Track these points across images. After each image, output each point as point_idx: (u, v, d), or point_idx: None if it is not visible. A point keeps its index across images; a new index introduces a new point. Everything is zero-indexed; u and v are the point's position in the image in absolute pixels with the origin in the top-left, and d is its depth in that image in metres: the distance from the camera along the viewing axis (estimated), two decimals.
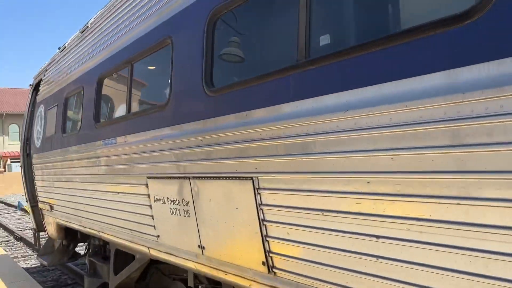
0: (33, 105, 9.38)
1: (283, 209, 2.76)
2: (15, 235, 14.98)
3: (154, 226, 4.40)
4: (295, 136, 2.58)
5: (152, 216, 4.42)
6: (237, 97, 3.11)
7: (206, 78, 3.45)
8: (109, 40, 5.47)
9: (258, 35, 3.36)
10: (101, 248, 6.99)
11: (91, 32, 6.32)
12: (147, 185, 4.39)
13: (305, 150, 2.52)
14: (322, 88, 2.41)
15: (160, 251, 4.45)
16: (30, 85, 9.78)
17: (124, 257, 5.87)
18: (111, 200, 5.29)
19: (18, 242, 14.12)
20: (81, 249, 9.72)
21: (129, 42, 4.87)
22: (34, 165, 8.64)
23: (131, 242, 5.07)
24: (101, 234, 5.97)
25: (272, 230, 2.90)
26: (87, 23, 6.84)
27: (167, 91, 4.12)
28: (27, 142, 9.49)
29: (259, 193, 2.95)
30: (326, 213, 2.44)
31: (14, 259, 11.20)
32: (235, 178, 3.15)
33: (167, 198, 4.06)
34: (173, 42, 3.93)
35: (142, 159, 4.42)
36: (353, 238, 2.31)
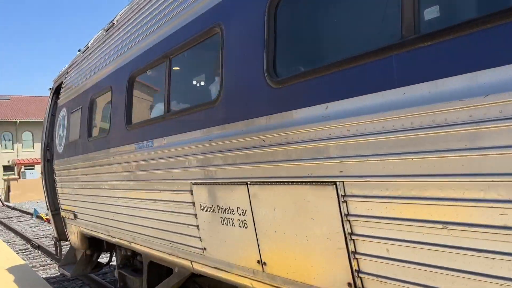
0: (53, 109, 9.01)
1: (382, 220, 2.27)
2: (32, 243, 14.66)
3: (200, 237, 3.94)
4: (402, 131, 2.09)
5: (197, 226, 3.95)
6: (312, 87, 2.64)
7: (269, 68, 2.98)
8: (142, 35, 5.04)
9: (337, 11, 2.88)
10: (130, 259, 6.53)
11: (119, 28, 5.90)
12: (191, 192, 3.93)
13: (417, 148, 2.04)
14: (444, 69, 1.92)
15: (207, 265, 3.98)
16: (50, 88, 9.41)
17: (158, 269, 5.43)
18: (146, 209, 4.84)
19: (36, 251, 13.79)
20: (101, 258, 9.30)
21: (166, 35, 4.43)
22: (56, 172, 8.24)
23: (169, 254, 4.60)
24: (132, 245, 5.52)
25: (364, 245, 2.41)
26: (112, 20, 6.44)
27: (217, 86, 3.66)
28: (47, 148, 9.12)
29: (345, 201, 2.46)
30: (450, 227, 1.95)
31: (33, 269, 10.83)
32: (310, 183, 2.67)
33: (218, 206, 3.59)
34: (224, 30, 3.47)
35: (186, 163, 3.97)
36: (493, 258, 1.82)
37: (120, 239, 5.86)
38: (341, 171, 2.45)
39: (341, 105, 2.42)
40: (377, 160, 2.23)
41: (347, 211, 2.46)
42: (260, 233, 3.19)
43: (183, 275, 4.62)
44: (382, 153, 2.20)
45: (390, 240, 2.24)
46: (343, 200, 2.47)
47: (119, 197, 5.50)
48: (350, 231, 2.47)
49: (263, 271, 3.25)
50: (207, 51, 3.96)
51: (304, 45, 3.11)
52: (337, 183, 2.48)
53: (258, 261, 3.27)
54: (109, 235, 6.22)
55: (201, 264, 4.07)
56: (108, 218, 6.01)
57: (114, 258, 7.85)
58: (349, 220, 2.46)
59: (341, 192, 2.47)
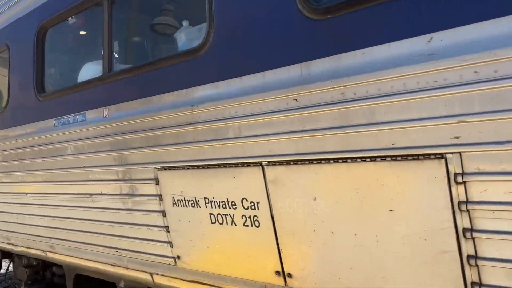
0: None
1: None
2: None
3: (171, 242, 2.86)
4: None
5: (165, 227, 2.86)
6: (394, 11, 1.75)
7: None
8: None
9: None
10: (39, 273, 5.07)
11: None
12: (156, 181, 2.82)
13: None
14: None
15: (180, 279, 2.92)
16: None
17: (85, 284, 4.16)
18: (75, 207, 3.57)
19: None
20: None
21: None
22: None
23: (113, 265, 3.42)
24: (49, 254, 4.16)
25: (496, 248, 1.62)
26: None
27: (197, 29, 2.59)
28: None
29: (462, 182, 1.64)
30: None
31: None
32: (391, 158, 1.80)
33: (206, 199, 2.55)
34: None
35: (147, 140, 2.83)
36: None
37: (28, 247, 4.43)
38: (457, 137, 1.62)
39: (463, 34, 1.57)
40: None
41: (466, 196, 1.64)
42: (283, 233, 2.24)
43: None
44: None
45: None
46: (459, 181, 1.64)
47: (27, 193, 4.08)
48: (469, 225, 1.65)
49: (285, 285, 2.33)
50: None
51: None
52: (447, 155, 1.65)
53: (278, 272, 2.33)
54: (9, 243, 4.72)
55: (170, 277, 2.99)
56: (8, 222, 4.51)
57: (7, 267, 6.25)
58: (468, 210, 1.64)
59: (454, 169, 1.64)
